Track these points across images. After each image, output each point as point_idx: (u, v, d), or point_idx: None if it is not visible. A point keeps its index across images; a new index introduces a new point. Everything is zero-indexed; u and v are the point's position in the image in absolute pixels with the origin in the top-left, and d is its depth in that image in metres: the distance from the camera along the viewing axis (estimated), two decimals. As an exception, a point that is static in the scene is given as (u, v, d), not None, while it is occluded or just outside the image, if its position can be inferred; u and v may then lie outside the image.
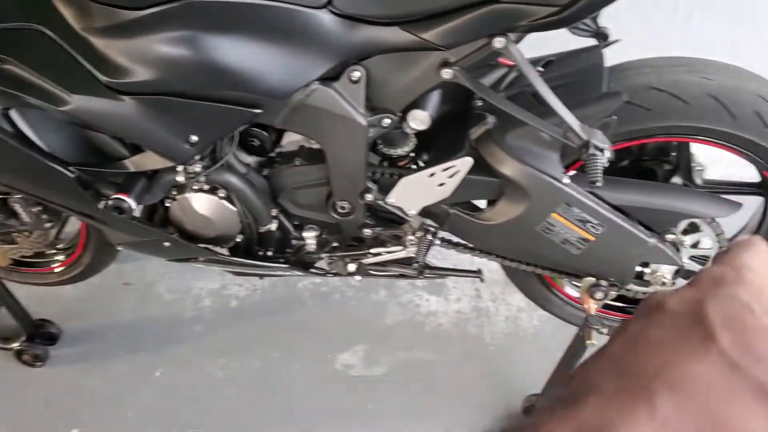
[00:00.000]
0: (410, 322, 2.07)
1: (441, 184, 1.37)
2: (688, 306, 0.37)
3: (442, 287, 2.17)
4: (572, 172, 1.40)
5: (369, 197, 1.42)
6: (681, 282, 1.55)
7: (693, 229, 1.46)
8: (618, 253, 1.41)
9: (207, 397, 1.91)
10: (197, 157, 1.41)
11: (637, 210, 1.39)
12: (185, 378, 1.97)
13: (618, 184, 1.40)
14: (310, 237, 1.58)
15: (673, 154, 1.50)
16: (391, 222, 1.53)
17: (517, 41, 1.25)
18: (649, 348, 0.35)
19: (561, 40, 1.44)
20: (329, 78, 1.26)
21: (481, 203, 1.48)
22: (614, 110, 1.27)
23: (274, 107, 1.27)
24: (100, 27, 1.20)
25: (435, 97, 1.37)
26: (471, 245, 1.55)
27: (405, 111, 1.32)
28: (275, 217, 1.54)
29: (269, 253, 1.63)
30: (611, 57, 1.45)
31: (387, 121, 1.31)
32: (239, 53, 1.20)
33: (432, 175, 1.36)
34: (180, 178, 1.44)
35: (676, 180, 1.46)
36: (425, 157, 1.50)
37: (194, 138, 1.31)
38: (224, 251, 1.65)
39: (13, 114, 1.36)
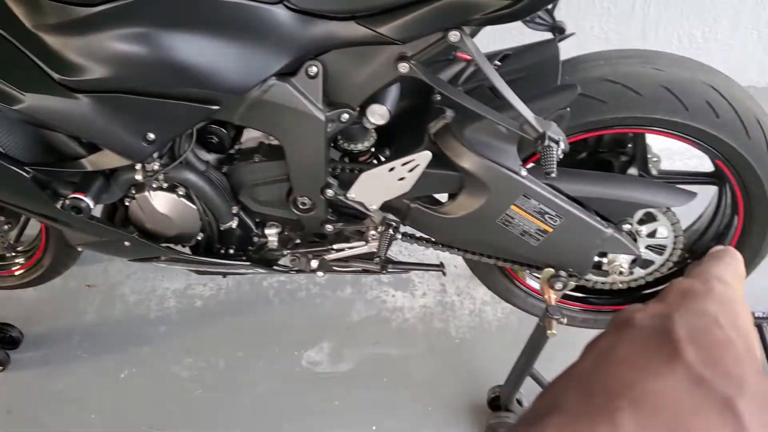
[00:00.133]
0: (376, 318, 2.08)
1: (401, 179, 1.38)
2: (656, 321, 0.37)
3: (408, 283, 2.18)
4: (530, 165, 1.42)
5: (330, 193, 1.42)
6: (638, 271, 1.57)
7: (649, 218, 1.48)
8: (576, 243, 1.43)
9: (172, 397, 1.90)
10: (155, 155, 1.40)
11: (594, 201, 1.41)
12: (150, 379, 1.95)
13: (575, 176, 1.42)
14: (271, 234, 1.58)
15: (630, 145, 1.52)
16: (352, 217, 1.53)
17: (473, 35, 1.27)
18: (616, 365, 0.35)
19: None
20: (287, 73, 1.26)
21: (443, 197, 1.49)
22: (569, 102, 1.28)
23: (231, 103, 1.27)
24: (53, 24, 1.19)
25: (394, 92, 1.37)
26: (433, 239, 1.56)
27: (364, 106, 1.32)
28: (236, 215, 1.53)
29: (231, 251, 1.63)
30: (575, 51, 1.47)
31: (346, 116, 1.31)
32: (194, 49, 1.20)
33: (392, 169, 1.37)
34: (138, 177, 1.43)
35: (633, 171, 1.48)
36: (387, 152, 1.50)
37: (151, 136, 1.30)
38: (186, 250, 1.64)
39: (-35, 114, 1.34)
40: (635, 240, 1.49)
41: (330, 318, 2.09)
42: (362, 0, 1.18)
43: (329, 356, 1.98)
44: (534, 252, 1.45)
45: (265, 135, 1.45)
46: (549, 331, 1.45)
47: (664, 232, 1.50)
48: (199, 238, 1.58)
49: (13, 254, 1.99)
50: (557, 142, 1.21)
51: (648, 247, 1.53)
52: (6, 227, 1.79)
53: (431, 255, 2.13)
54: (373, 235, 1.52)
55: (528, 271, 1.62)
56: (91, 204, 1.41)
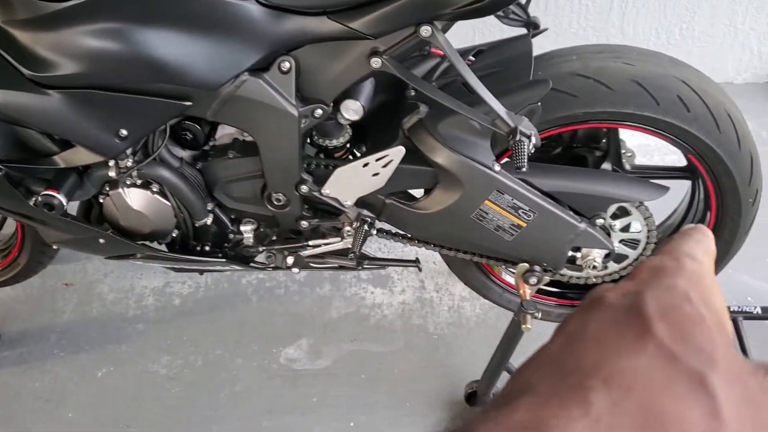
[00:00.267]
0: (355, 315, 2.08)
1: (375, 174, 1.38)
2: (627, 298, 0.36)
3: (387, 279, 2.18)
4: (504, 160, 1.42)
5: (304, 189, 1.42)
6: (613, 265, 1.58)
7: (622, 213, 1.49)
8: (550, 238, 1.43)
9: (150, 395, 1.89)
10: (129, 152, 1.39)
11: (568, 195, 1.42)
12: (128, 377, 1.94)
13: (548, 171, 1.42)
14: (247, 230, 1.58)
15: (604, 140, 1.53)
16: (328, 213, 1.53)
17: (445, 30, 1.27)
18: (587, 344, 0.35)
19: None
20: (259, 69, 1.26)
21: (418, 193, 1.49)
22: (541, 97, 1.29)
23: (204, 99, 1.27)
24: (22, 20, 1.18)
25: (368, 87, 1.38)
26: (408, 235, 1.56)
27: (338, 101, 1.32)
28: (211, 211, 1.53)
29: (207, 248, 1.62)
30: (553, 48, 1.47)
31: (319, 112, 1.31)
32: (165, 45, 1.20)
33: (366, 165, 1.37)
34: (112, 174, 1.43)
35: (606, 166, 1.49)
36: (364, 148, 1.50)
37: (124, 132, 1.30)
38: (162, 247, 1.63)
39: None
40: (609, 234, 1.49)
41: (308, 315, 2.08)
42: None
43: (307, 353, 1.98)
44: (508, 247, 1.45)
45: (239, 131, 1.45)
46: (523, 326, 1.46)
47: (637, 226, 1.51)
48: (174, 234, 1.58)
49: (-11, 253, 1.98)
50: (529, 137, 1.22)
51: (622, 241, 1.54)
52: (-19, 226, 1.77)
53: (410, 251, 2.14)
54: (349, 231, 1.53)
55: (503, 266, 1.62)
56: (63, 201, 1.40)
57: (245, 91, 1.26)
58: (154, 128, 1.35)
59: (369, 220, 1.49)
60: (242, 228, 1.58)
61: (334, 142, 1.46)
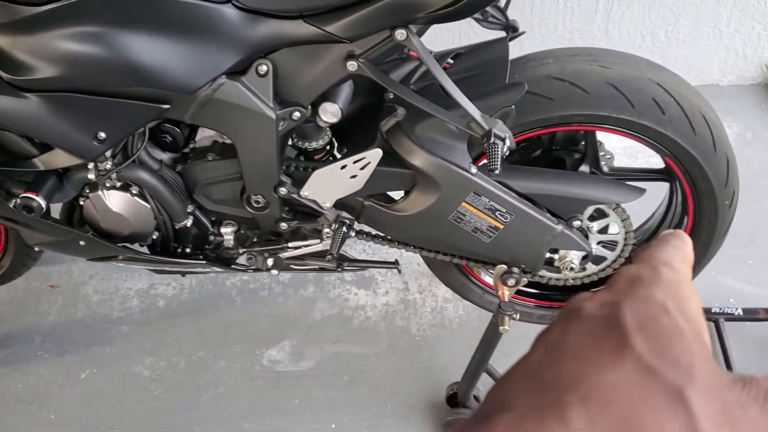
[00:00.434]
0: (338, 317, 2.08)
1: (353, 176, 1.39)
2: (604, 310, 0.36)
3: (371, 281, 2.19)
4: (482, 163, 1.43)
5: (283, 191, 1.43)
6: (591, 267, 1.59)
7: (600, 215, 1.50)
8: (527, 239, 1.44)
9: (133, 397, 1.90)
10: (108, 154, 1.40)
11: (545, 198, 1.43)
12: (111, 379, 1.95)
13: (525, 173, 1.43)
14: (227, 233, 1.58)
15: (583, 143, 1.54)
16: (307, 216, 1.54)
17: (421, 34, 1.28)
18: (565, 358, 0.34)
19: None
20: (237, 72, 1.26)
21: (397, 195, 1.50)
22: (516, 100, 1.29)
23: (182, 102, 1.28)
24: (0, 24, 1.19)
25: (346, 90, 1.38)
26: (387, 237, 1.57)
27: (316, 104, 1.33)
28: (191, 214, 1.54)
29: (188, 250, 1.63)
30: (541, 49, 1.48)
31: (297, 114, 1.32)
32: (143, 48, 1.20)
33: (344, 167, 1.38)
34: (91, 176, 1.43)
35: (584, 168, 1.50)
36: (344, 150, 1.51)
37: (102, 135, 1.30)
38: (144, 249, 1.64)
39: None
40: (587, 236, 1.50)
41: (292, 317, 2.09)
42: None
43: (290, 355, 1.98)
44: (486, 248, 1.46)
45: (219, 134, 1.45)
46: (501, 327, 1.47)
47: (615, 228, 1.51)
48: (154, 237, 1.58)
49: (-28, 255, 1.98)
50: (503, 140, 1.22)
51: (600, 243, 1.55)
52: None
53: (394, 253, 2.15)
54: (328, 233, 1.53)
55: (483, 268, 1.63)
56: (42, 203, 1.41)
57: (223, 94, 1.27)
58: (132, 131, 1.36)
59: (348, 222, 1.50)
60: (222, 230, 1.58)
61: (314, 145, 1.47)
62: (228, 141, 1.43)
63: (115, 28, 1.19)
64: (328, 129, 1.47)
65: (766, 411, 0.31)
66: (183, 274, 1.80)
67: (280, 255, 1.60)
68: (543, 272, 1.59)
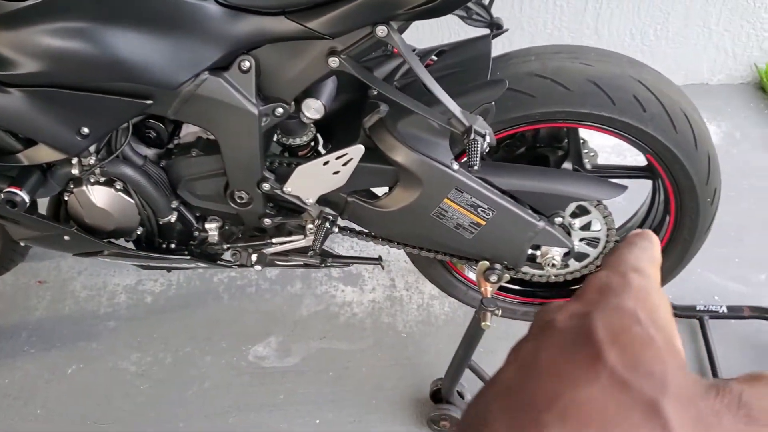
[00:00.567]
0: (325, 313, 2.09)
1: (336, 172, 1.39)
2: (576, 321, 0.36)
3: (358, 278, 2.19)
4: (464, 159, 1.43)
5: (266, 186, 1.43)
6: (574, 264, 1.60)
7: (582, 212, 1.51)
8: (509, 236, 1.45)
9: (119, 392, 1.90)
10: (92, 149, 1.41)
11: (526, 194, 1.43)
12: (98, 374, 1.95)
13: (506, 170, 1.44)
14: (212, 228, 1.58)
15: (566, 141, 1.54)
16: (291, 211, 1.55)
17: (402, 30, 1.28)
18: (540, 374, 0.34)
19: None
20: (220, 68, 1.27)
21: (381, 191, 1.50)
22: (497, 97, 1.30)
23: (164, 98, 1.28)
24: (-18, 19, 1.19)
25: (329, 87, 1.39)
26: (371, 233, 1.57)
27: (299, 100, 1.34)
28: (175, 209, 1.54)
29: (172, 245, 1.63)
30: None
31: (280, 111, 1.32)
32: (125, 44, 1.21)
33: (326, 163, 1.38)
34: (75, 171, 1.43)
35: (567, 165, 1.50)
36: (329, 146, 1.52)
37: (85, 130, 1.31)
38: (130, 245, 1.64)
39: None
40: (569, 233, 1.51)
41: (279, 313, 2.10)
42: None
43: (276, 351, 1.99)
44: (469, 245, 1.47)
45: (203, 129, 1.46)
46: (483, 323, 1.47)
47: (597, 225, 1.52)
48: (139, 232, 1.58)
49: (-41, 251, 1.98)
50: (483, 136, 1.23)
51: (582, 240, 1.55)
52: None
53: (382, 250, 2.16)
54: (311, 229, 1.54)
55: (466, 264, 1.63)
56: (26, 198, 1.41)
57: (205, 90, 1.27)
58: (115, 126, 1.36)
59: (331, 218, 1.50)
60: (207, 226, 1.59)
61: (298, 141, 1.47)
62: (212, 137, 1.43)
63: (97, 24, 1.19)
64: (312, 125, 1.47)
65: (740, 418, 0.31)
66: (169, 269, 1.81)
67: (264, 251, 1.61)
68: (526, 269, 1.60)
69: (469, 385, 1.79)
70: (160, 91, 1.26)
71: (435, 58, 1.50)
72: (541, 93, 1.36)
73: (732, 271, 2.18)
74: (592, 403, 0.31)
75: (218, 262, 1.68)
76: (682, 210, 1.53)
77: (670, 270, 1.64)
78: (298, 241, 1.57)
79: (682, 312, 2.01)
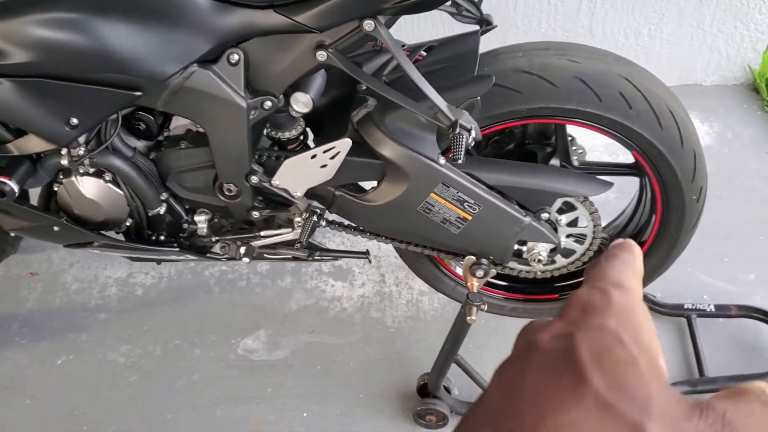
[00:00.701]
0: (314, 307, 2.10)
1: (323, 166, 1.40)
2: (560, 342, 0.36)
3: (348, 273, 2.20)
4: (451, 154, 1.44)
5: (254, 179, 1.44)
6: (561, 260, 1.61)
7: (569, 208, 1.52)
8: (495, 231, 1.46)
9: (108, 383, 1.91)
10: (81, 140, 1.41)
11: (513, 190, 1.44)
12: (87, 365, 1.96)
13: (493, 165, 1.45)
14: (201, 221, 1.59)
15: (554, 137, 1.55)
16: (280, 205, 1.55)
17: (389, 25, 1.29)
18: (525, 398, 0.34)
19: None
20: (209, 60, 1.28)
21: (369, 185, 1.51)
22: (483, 92, 1.31)
23: (153, 90, 1.29)
24: (-29, 9, 1.20)
25: (318, 80, 1.40)
26: (359, 227, 1.58)
27: (288, 94, 1.34)
28: (164, 201, 1.55)
29: (162, 237, 1.64)
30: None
31: (268, 104, 1.33)
32: (114, 35, 1.21)
33: (314, 156, 1.39)
34: (64, 162, 1.44)
35: (555, 162, 1.51)
36: (319, 141, 1.53)
37: (74, 120, 1.31)
38: (120, 237, 1.65)
39: None
40: (555, 229, 1.52)
41: (269, 307, 2.10)
42: None
43: (265, 344, 2.00)
44: (455, 239, 1.48)
45: (192, 122, 1.47)
46: (468, 318, 1.48)
47: (583, 221, 1.53)
48: (128, 223, 1.59)
49: (-50, 241, 1.98)
50: (468, 130, 1.24)
51: (569, 236, 1.56)
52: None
53: (373, 246, 2.16)
54: (299, 223, 1.55)
55: (454, 260, 1.64)
56: (15, 188, 1.42)
57: (194, 82, 1.28)
58: (104, 117, 1.37)
59: (318, 211, 1.51)
60: (196, 218, 1.59)
61: (287, 135, 1.48)
62: (201, 129, 1.44)
63: (86, 15, 1.20)
64: (301, 119, 1.48)
65: None
66: (158, 261, 1.81)
67: (253, 243, 1.62)
68: (512, 264, 1.61)
69: (456, 380, 1.80)
70: (149, 83, 1.27)
71: (424, 53, 1.51)
72: (527, 89, 1.37)
73: (722, 271, 2.19)
74: (576, 427, 0.31)
75: (207, 254, 1.68)
76: (668, 207, 1.53)
77: (656, 267, 1.65)
78: (287, 235, 1.58)
79: (670, 310, 2.02)
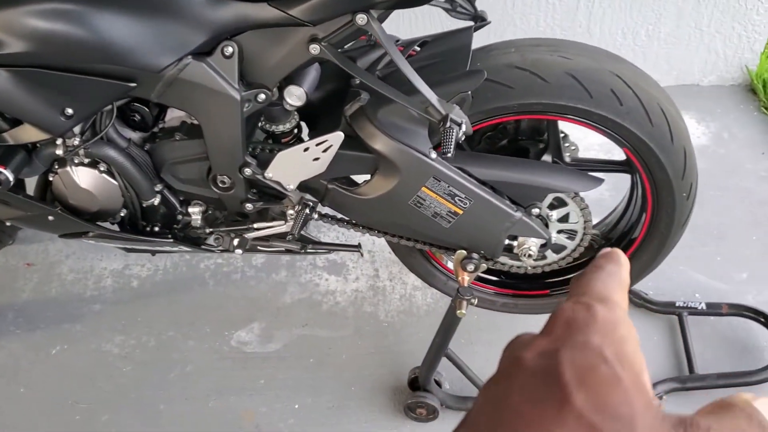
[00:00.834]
0: (308, 301, 2.11)
1: (316, 159, 1.41)
2: (544, 360, 0.36)
3: (342, 267, 2.21)
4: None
5: (248, 171, 1.45)
6: (551, 255, 1.61)
7: (560, 204, 1.53)
8: (486, 225, 1.47)
9: (101, 373, 1.92)
10: (77, 130, 1.42)
11: (504, 185, 1.45)
12: (81, 355, 1.97)
13: (485, 160, 1.46)
14: (195, 212, 1.60)
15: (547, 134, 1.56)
16: (273, 197, 1.56)
17: (382, 19, 1.30)
18: (510, 418, 0.34)
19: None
20: (203, 53, 1.29)
21: (361, 179, 1.52)
22: (475, 87, 1.32)
23: (148, 81, 1.30)
24: (-34, -1, 1.21)
25: (312, 74, 1.41)
26: (351, 220, 1.59)
27: (282, 87, 1.35)
28: (159, 192, 1.56)
29: (156, 229, 1.65)
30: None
31: (262, 97, 1.34)
32: (109, 26, 1.23)
33: (306, 149, 1.40)
34: (59, 152, 1.45)
35: (547, 157, 1.52)
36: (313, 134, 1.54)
37: (69, 111, 1.33)
38: (114, 227, 1.66)
39: None
40: (546, 225, 1.53)
41: (263, 300, 2.12)
42: None
43: (259, 337, 2.01)
44: (446, 234, 1.49)
45: (187, 114, 1.48)
46: (458, 311, 1.49)
47: (574, 217, 1.54)
48: (122, 214, 1.60)
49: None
50: (459, 125, 1.25)
51: (560, 232, 1.57)
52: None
53: (368, 240, 2.18)
54: (292, 215, 1.56)
55: (445, 254, 1.65)
56: (10, 177, 1.43)
57: (188, 74, 1.29)
58: (99, 108, 1.38)
59: (311, 204, 1.52)
60: (191, 210, 1.60)
61: (281, 128, 1.49)
62: (196, 121, 1.45)
63: (82, 5, 1.21)
64: (295, 113, 1.49)
65: None
66: (153, 252, 1.82)
67: (246, 235, 1.63)
68: (503, 259, 1.62)
69: (447, 374, 1.81)
70: (143, 74, 1.28)
71: (418, 48, 1.52)
72: (519, 84, 1.38)
73: (714, 270, 2.20)
74: None
75: (201, 246, 1.69)
76: (658, 204, 1.54)
77: (646, 264, 1.66)
78: (279, 227, 1.59)
79: (662, 308, 2.03)
